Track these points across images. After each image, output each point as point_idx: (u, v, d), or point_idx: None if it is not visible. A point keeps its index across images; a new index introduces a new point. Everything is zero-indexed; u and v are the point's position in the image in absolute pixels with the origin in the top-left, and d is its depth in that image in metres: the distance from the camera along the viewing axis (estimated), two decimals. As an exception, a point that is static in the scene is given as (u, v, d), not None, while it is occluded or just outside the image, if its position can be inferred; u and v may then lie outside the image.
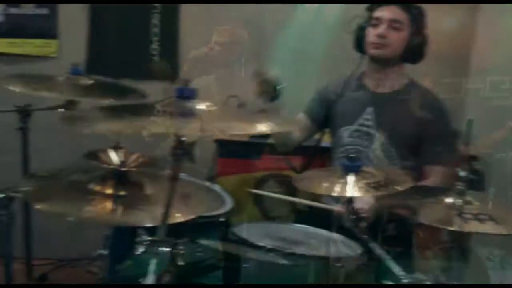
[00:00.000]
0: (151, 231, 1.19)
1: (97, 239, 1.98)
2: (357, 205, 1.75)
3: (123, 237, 1.74)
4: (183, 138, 1.07)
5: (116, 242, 1.81)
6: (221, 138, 2.51)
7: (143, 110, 1.23)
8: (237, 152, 2.54)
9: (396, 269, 1.45)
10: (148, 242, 1.12)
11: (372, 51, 1.99)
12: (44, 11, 2.72)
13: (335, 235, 1.71)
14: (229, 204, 1.92)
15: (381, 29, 1.95)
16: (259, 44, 2.84)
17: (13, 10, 2.71)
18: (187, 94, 1.16)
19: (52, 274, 2.86)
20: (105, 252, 1.89)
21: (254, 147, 2.54)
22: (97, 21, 2.77)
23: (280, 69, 2.85)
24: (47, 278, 2.81)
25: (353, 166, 1.51)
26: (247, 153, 2.54)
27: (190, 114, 1.13)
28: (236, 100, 2.81)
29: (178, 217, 1.24)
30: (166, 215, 1.09)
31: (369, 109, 2.03)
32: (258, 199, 2.59)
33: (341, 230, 1.69)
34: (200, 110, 1.17)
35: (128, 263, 1.58)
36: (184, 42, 2.83)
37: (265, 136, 2.56)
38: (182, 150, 1.09)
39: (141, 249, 1.11)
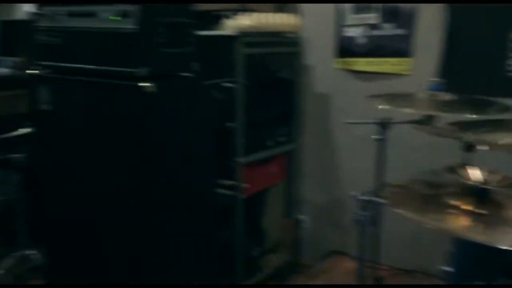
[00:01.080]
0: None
1: (435, 255, 1.98)
2: None
3: (474, 256, 1.69)
4: None
5: (465, 260, 1.77)
6: None
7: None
8: None
9: None
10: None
11: None
12: (402, 31, 2.89)
13: None
14: None
15: None
16: None
17: (375, 32, 2.98)
18: None
19: (387, 280, 2.99)
20: (449, 269, 1.87)
21: None
22: (451, 40, 2.77)
23: None
24: (382, 281, 2.95)
25: None
26: None
27: None
28: None
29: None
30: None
31: None
32: None
33: None
34: None
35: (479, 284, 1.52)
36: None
37: None
38: None
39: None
